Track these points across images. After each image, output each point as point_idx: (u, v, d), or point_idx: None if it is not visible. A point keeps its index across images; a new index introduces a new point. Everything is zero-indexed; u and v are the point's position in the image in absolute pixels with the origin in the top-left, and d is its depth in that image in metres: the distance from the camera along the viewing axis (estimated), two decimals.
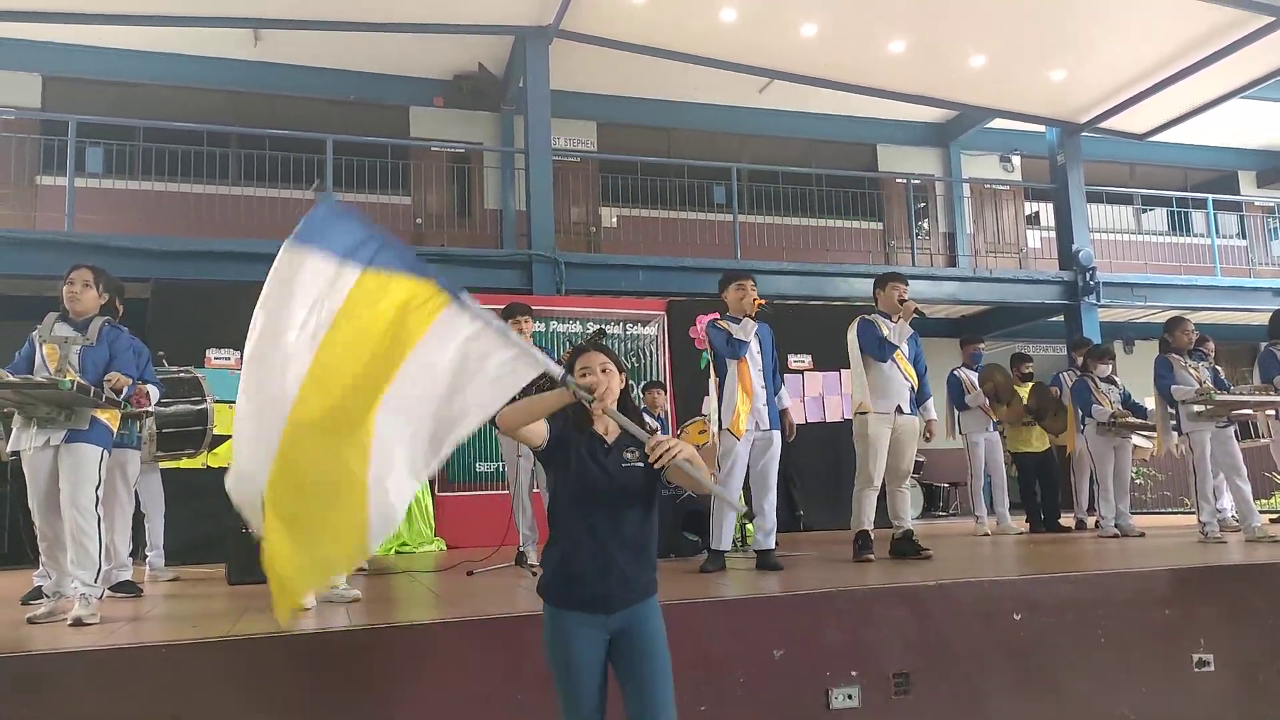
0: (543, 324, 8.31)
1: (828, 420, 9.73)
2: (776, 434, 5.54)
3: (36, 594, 4.60)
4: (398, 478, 2.09)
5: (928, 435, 5.95)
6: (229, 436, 8.59)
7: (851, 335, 5.90)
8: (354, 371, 2.06)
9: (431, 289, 2.15)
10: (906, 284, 5.99)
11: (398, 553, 7.80)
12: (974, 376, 8.36)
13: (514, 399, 2.26)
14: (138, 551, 6.08)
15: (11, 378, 4.06)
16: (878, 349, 5.75)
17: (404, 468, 2.11)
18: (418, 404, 2.11)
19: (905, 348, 5.83)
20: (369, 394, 2.06)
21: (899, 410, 5.73)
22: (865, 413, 5.74)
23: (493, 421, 2.26)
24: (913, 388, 5.83)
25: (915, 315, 5.82)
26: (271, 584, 1.98)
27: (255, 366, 2.08)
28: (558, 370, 2.30)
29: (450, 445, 2.15)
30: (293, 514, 1.98)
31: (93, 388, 4.07)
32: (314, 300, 2.08)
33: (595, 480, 2.45)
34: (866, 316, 5.92)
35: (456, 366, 2.13)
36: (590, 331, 8.24)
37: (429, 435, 2.13)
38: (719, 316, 5.71)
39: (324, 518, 2.02)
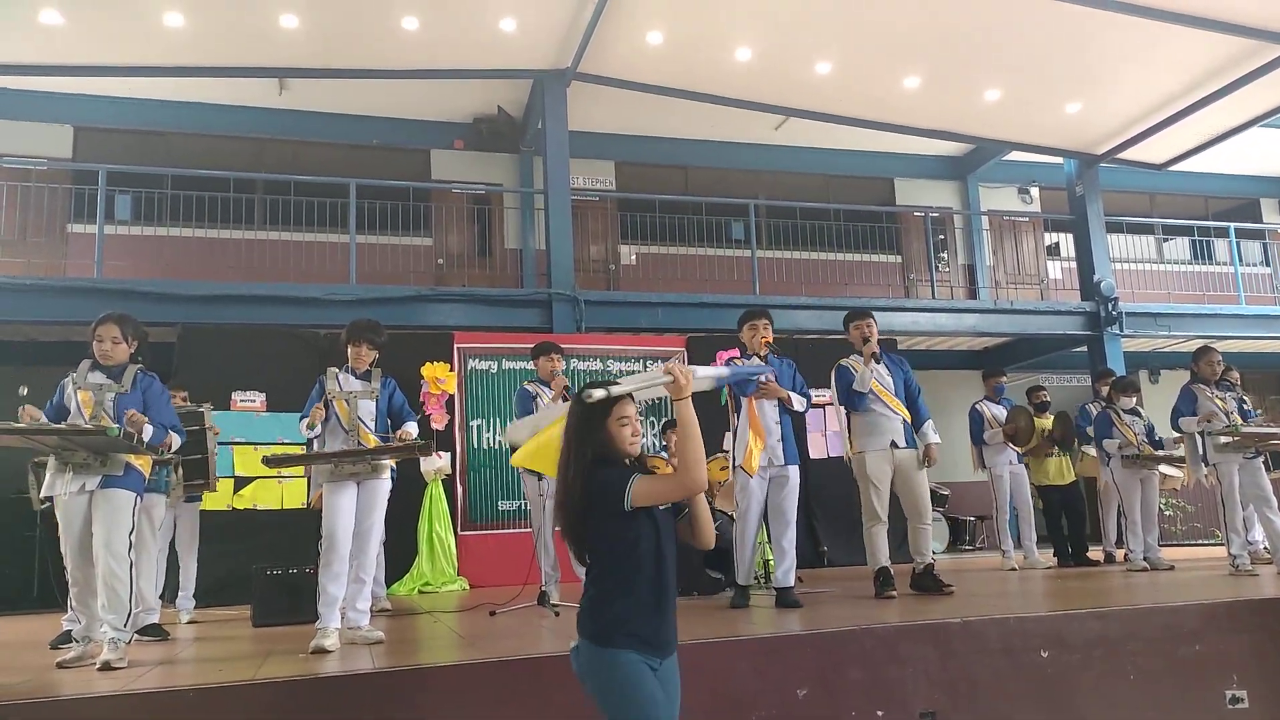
0: (564, 362, 8.34)
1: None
2: (793, 470, 5.54)
3: (65, 638, 4.65)
4: None
5: (928, 462, 5.76)
6: (255, 478, 8.55)
7: (832, 382, 5.95)
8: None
9: None
10: (871, 321, 5.91)
11: (420, 592, 7.81)
12: (998, 411, 8.31)
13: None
14: (168, 593, 6.13)
15: (59, 425, 4.14)
16: (847, 400, 5.81)
17: None
18: None
19: (890, 382, 5.80)
20: None
21: (894, 445, 5.70)
22: (860, 452, 5.77)
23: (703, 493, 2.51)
24: (905, 420, 5.77)
25: (874, 357, 5.78)
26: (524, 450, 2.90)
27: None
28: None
29: None
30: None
31: (136, 435, 4.15)
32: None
33: (668, 526, 2.48)
34: (842, 362, 5.92)
35: None
36: (608, 379, 8.30)
37: None
38: (739, 354, 5.79)
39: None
